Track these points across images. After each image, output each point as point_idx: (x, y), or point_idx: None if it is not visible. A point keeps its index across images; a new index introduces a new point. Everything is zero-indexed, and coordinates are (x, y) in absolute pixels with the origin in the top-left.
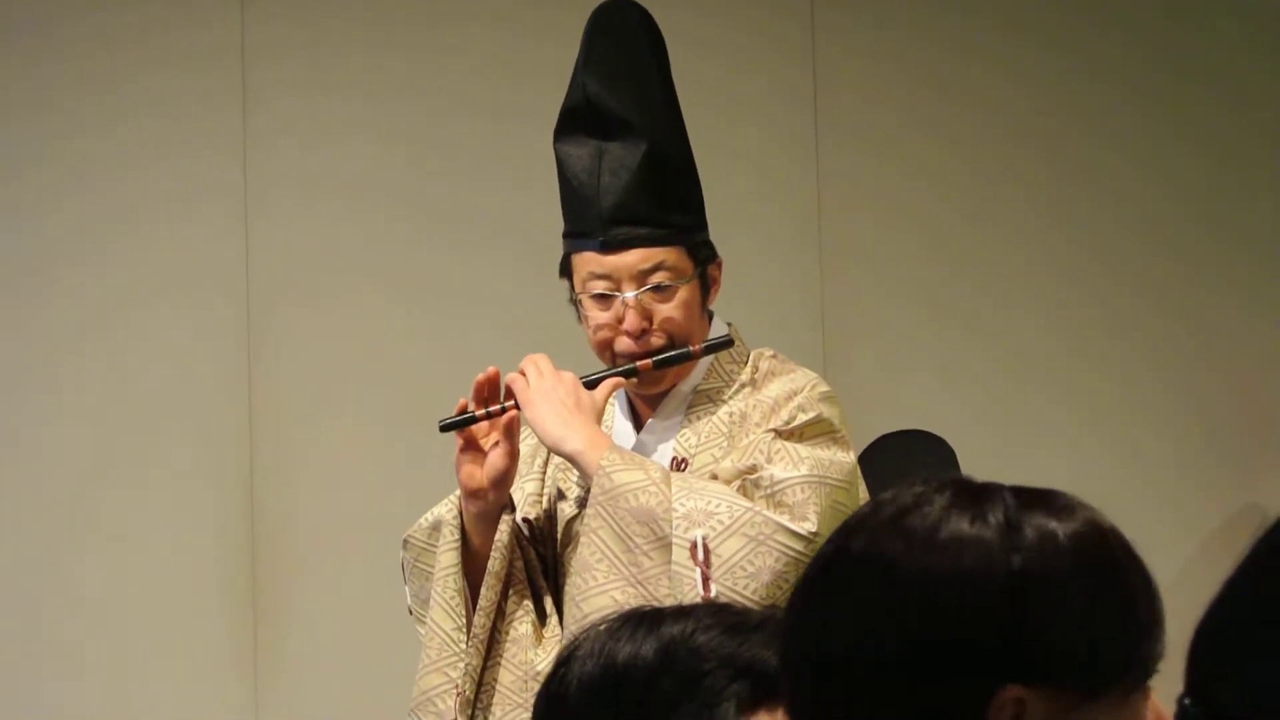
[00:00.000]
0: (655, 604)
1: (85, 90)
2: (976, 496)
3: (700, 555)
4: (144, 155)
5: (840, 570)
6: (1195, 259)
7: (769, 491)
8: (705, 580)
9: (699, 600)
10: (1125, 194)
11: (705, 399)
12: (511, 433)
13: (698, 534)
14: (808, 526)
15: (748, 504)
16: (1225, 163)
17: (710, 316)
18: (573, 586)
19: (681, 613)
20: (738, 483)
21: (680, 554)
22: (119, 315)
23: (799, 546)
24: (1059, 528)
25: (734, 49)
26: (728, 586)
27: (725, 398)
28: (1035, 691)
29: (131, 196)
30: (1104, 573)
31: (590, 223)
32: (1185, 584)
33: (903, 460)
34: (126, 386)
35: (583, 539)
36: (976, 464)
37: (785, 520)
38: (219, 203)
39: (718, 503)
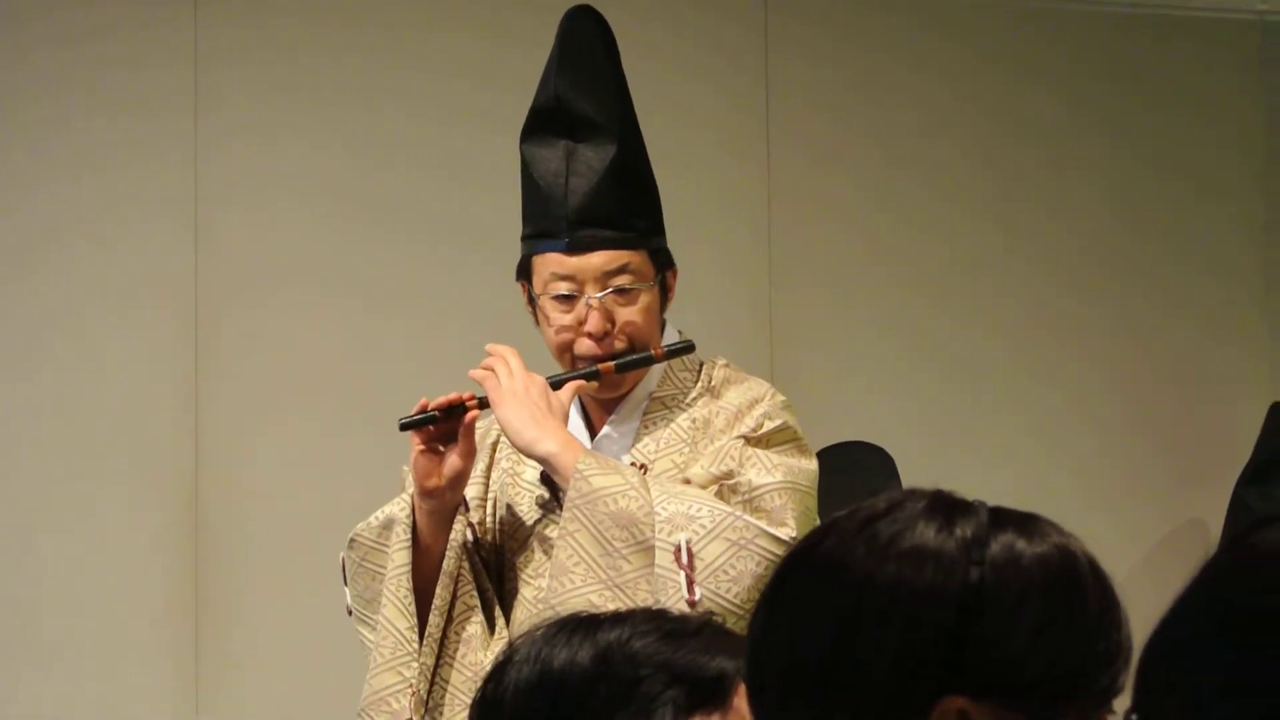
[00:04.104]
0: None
1: (35, 92)
2: (951, 510)
3: (684, 559)
4: (94, 158)
5: (806, 569)
6: (1145, 273)
7: (747, 496)
8: (690, 584)
9: (683, 603)
10: (1075, 207)
11: (660, 405)
12: (470, 432)
13: (681, 538)
14: (787, 531)
15: (728, 509)
16: (1177, 177)
17: (664, 324)
18: (549, 591)
19: (618, 619)
20: (714, 488)
21: (664, 557)
22: (66, 318)
23: (779, 551)
24: (1027, 548)
25: (687, 58)
26: (711, 590)
27: (682, 404)
28: (979, 705)
29: (82, 199)
30: (1064, 598)
31: (555, 223)
32: (1128, 595)
33: (842, 473)
34: (73, 388)
35: (558, 542)
36: (924, 475)
37: (765, 525)
38: (169, 205)
39: (699, 507)
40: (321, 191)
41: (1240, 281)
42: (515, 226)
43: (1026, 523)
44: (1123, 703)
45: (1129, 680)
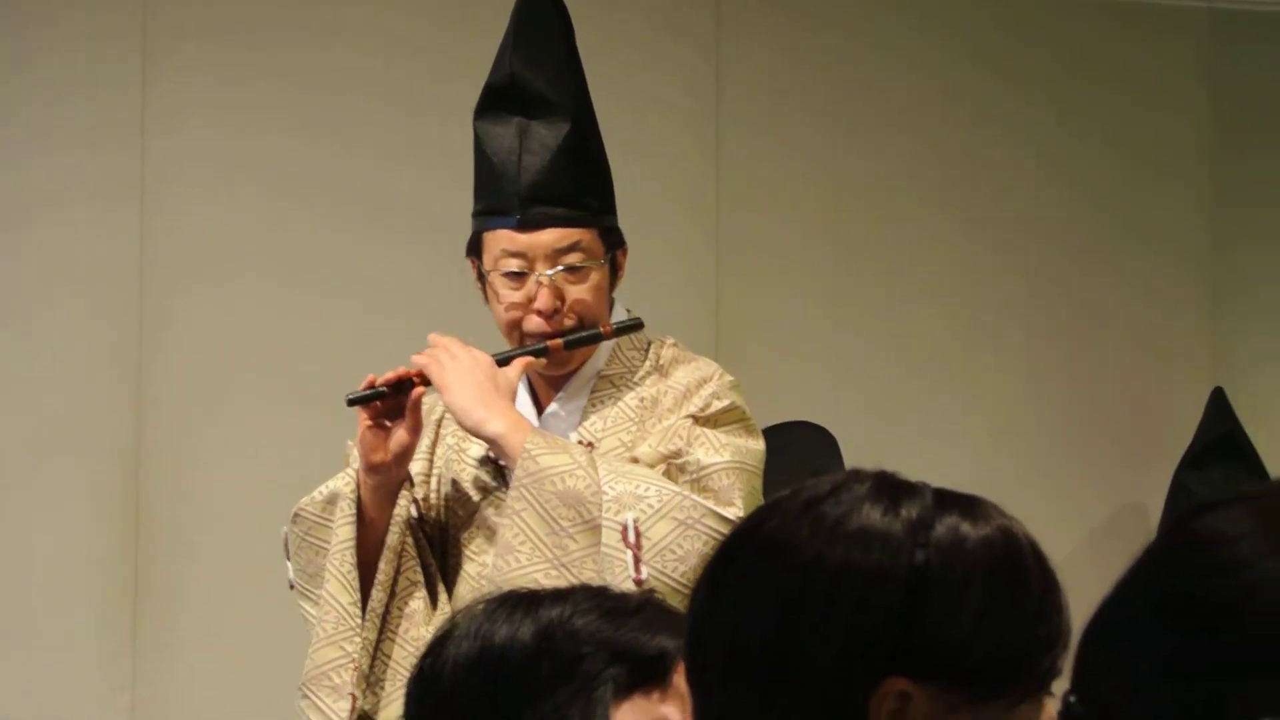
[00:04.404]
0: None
1: None
2: (895, 491)
3: (632, 538)
4: (37, 139)
5: (750, 550)
6: (1094, 258)
7: (695, 476)
8: (637, 563)
9: (630, 582)
10: (1025, 190)
11: (608, 384)
12: (416, 408)
13: (629, 517)
14: (735, 511)
15: (675, 488)
16: (1127, 161)
17: (613, 303)
18: (494, 568)
19: (559, 596)
20: (662, 467)
21: (611, 536)
22: (10, 303)
23: (726, 530)
24: (971, 531)
25: (638, 39)
26: (658, 569)
27: (630, 383)
28: (921, 687)
29: (24, 181)
30: (1008, 582)
31: (507, 200)
32: (1069, 577)
33: (783, 452)
34: (14, 373)
35: (505, 521)
36: (868, 456)
37: (713, 505)
38: (115, 188)
39: (646, 486)
40: (270, 175)
41: (1187, 267)
42: (467, 212)
43: (970, 505)
44: (1062, 686)
45: (1068, 663)
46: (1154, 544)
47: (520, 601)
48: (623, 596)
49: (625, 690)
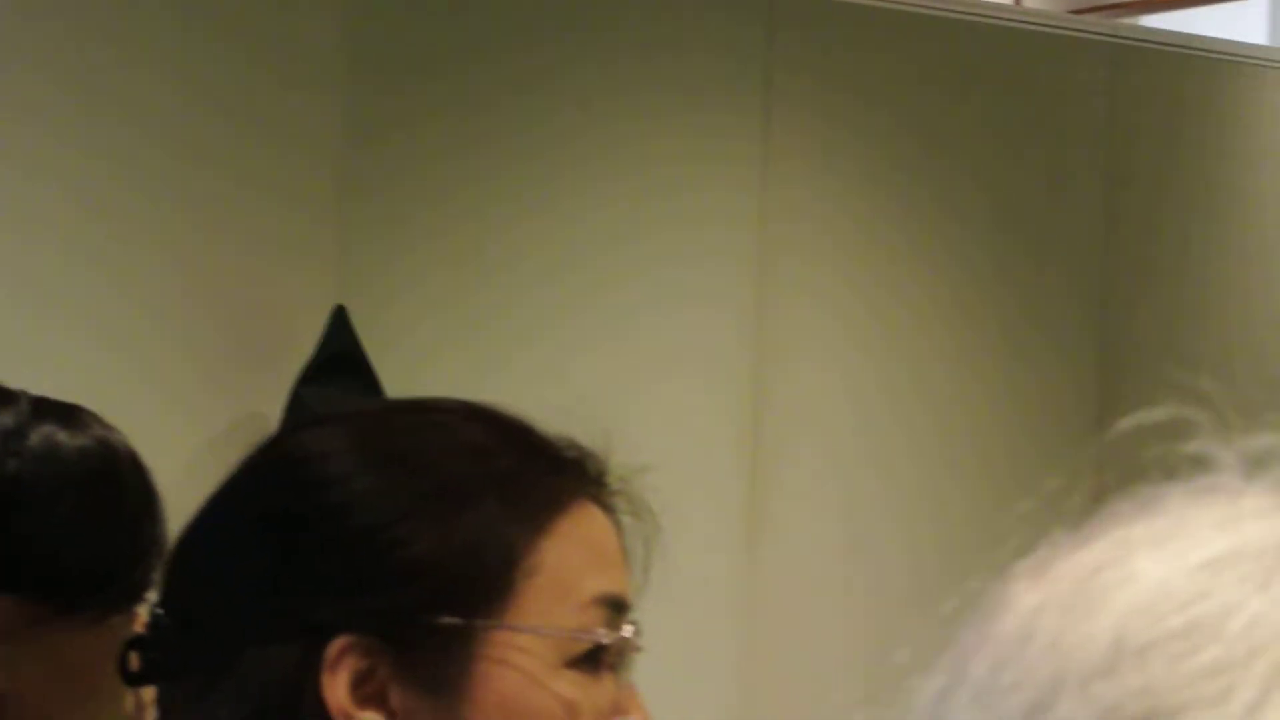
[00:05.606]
0: None
1: None
2: None
3: None
4: None
5: None
6: (215, 157)
7: None
8: None
9: None
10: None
11: None
12: None
13: None
14: None
15: None
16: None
17: None
18: None
19: None
20: None
21: None
22: None
23: None
24: (67, 441)
25: None
26: None
27: None
28: (9, 599)
29: None
30: (101, 493)
31: None
32: (189, 485)
33: None
34: None
35: None
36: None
37: None
38: None
39: None
40: None
41: (319, 174)
42: None
43: (69, 414)
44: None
45: (151, 581)
46: (248, 459)
47: None
48: None
49: None
